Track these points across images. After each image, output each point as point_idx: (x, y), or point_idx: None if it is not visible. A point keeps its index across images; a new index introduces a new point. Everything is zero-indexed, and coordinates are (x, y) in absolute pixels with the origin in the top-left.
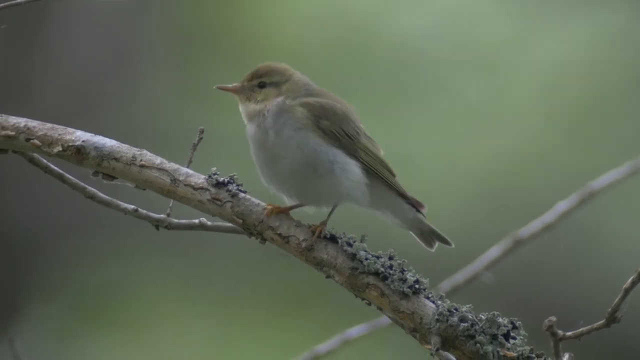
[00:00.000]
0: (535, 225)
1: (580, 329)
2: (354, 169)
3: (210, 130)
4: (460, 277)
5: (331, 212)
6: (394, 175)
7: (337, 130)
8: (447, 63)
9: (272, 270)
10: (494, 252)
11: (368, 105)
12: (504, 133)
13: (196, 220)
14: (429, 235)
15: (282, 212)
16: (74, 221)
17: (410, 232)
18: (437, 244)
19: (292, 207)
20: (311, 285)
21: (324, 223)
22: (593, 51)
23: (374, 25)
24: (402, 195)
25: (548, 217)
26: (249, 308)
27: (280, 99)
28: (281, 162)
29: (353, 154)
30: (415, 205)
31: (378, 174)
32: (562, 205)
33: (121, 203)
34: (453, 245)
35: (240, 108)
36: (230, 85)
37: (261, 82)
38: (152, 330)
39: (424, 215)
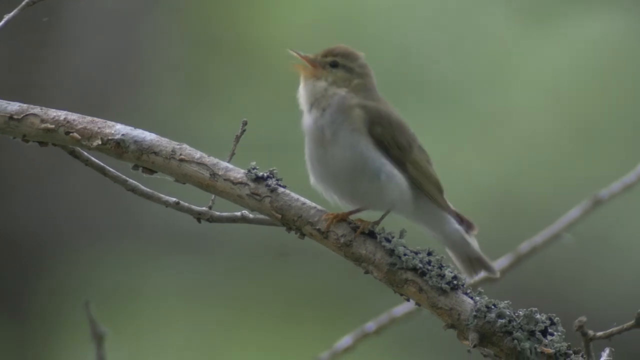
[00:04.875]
0: (616, 186)
1: (611, 329)
2: (399, 180)
3: (211, 131)
4: (539, 238)
5: (383, 217)
6: (441, 192)
7: (387, 139)
8: (455, 67)
9: (278, 272)
10: (573, 213)
11: None
12: (513, 137)
13: (238, 213)
14: (474, 262)
15: (343, 219)
16: (78, 225)
17: (450, 253)
18: (477, 275)
19: (351, 212)
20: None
21: (375, 222)
22: (601, 54)
23: (379, 31)
24: (450, 214)
25: (629, 178)
26: (254, 310)
27: (344, 93)
28: (335, 161)
29: (401, 166)
30: (466, 227)
31: (424, 191)
32: None
33: (162, 196)
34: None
35: (302, 87)
36: (303, 54)
37: (334, 61)
38: (157, 332)
39: (473, 239)
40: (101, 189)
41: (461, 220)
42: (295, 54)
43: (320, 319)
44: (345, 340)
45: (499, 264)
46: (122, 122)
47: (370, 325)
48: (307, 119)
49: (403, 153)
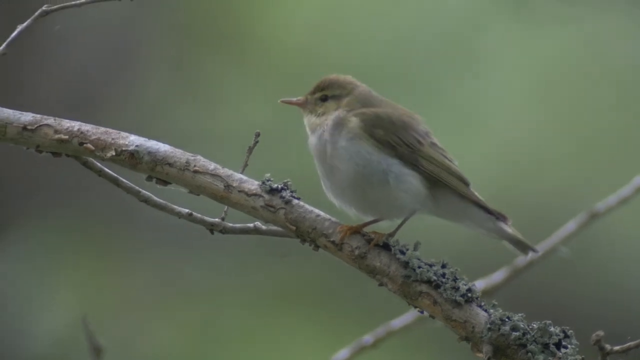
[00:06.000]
0: (612, 199)
1: (628, 344)
2: (410, 179)
3: (208, 130)
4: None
5: (400, 225)
6: (467, 184)
7: (393, 139)
8: (446, 64)
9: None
10: (570, 226)
11: None
12: (502, 134)
13: (251, 225)
14: (518, 244)
15: (357, 231)
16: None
17: (504, 242)
18: (528, 256)
19: (366, 224)
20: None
21: (390, 234)
22: (591, 52)
23: (370, 26)
24: (479, 205)
25: (625, 191)
26: (252, 316)
27: (338, 112)
28: (337, 174)
29: (413, 164)
30: (497, 215)
31: (445, 183)
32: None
33: (175, 207)
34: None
35: (304, 120)
36: (294, 99)
37: (323, 95)
38: (157, 331)
39: (507, 225)
40: (100, 188)
41: (496, 214)
42: (285, 102)
43: (315, 321)
44: (342, 354)
45: (495, 277)
46: (119, 121)
47: (368, 339)
48: (312, 139)
49: (413, 150)
